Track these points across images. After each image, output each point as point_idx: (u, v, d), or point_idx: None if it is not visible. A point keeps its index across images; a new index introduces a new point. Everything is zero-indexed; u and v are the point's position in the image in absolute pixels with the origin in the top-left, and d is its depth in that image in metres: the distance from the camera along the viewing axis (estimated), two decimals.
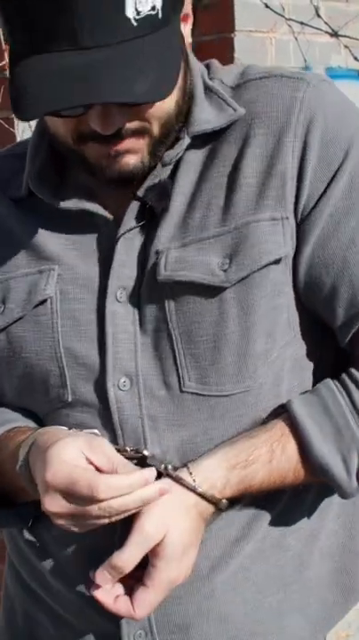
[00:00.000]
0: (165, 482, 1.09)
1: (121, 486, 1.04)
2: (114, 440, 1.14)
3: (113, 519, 1.05)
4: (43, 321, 1.17)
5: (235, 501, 1.14)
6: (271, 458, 1.13)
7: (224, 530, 1.17)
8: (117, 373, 1.15)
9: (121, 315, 1.15)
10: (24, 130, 2.32)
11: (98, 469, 1.06)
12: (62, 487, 1.04)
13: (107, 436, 1.14)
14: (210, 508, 1.11)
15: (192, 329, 1.12)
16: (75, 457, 1.05)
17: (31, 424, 1.21)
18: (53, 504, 1.05)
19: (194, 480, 1.10)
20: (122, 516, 1.06)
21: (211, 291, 1.12)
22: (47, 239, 1.19)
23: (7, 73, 2.27)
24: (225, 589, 1.17)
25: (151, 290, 1.14)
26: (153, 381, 1.15)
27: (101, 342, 1.15)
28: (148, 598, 1.08)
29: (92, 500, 1.03)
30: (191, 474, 1.11)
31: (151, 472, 1.07)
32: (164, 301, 1.13)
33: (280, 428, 1.14)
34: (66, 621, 1.23)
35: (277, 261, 1.12)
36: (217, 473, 1.11)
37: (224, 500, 1.11)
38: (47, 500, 1.06)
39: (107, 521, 1.05)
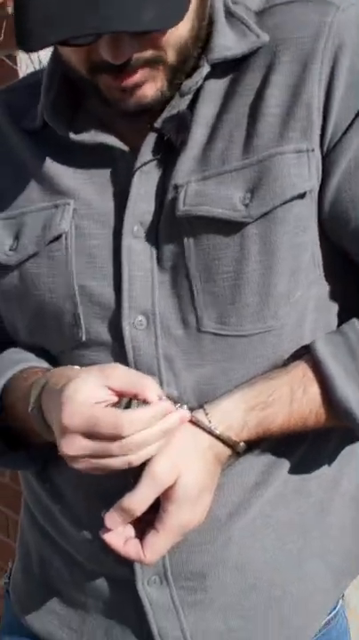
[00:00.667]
0: (185, 411, 1.05)
1: (144, 419, 0.99)
2: None
3: (133, 458, 1.01)
4: (57, 257, 1.13)
5: (254, 445, 1.11)
6: (291, 399, 1.09)
7: (243, 475, 1.14)
8: (133, 312, 1.11)
9: (137, 251, 1.11)
10: (27, 67, 2.25)
11: (120, 395, 1.02)
12: (82, 428, 1.00)
13: None
14: (226, 451, 1.08)
15: (211, 266, 1.08)
16: (91, 395, 1.01)
17: (44, 364, 1.18)
18: (72, 447, 1.01)
19: (209, 421, 1.07)
20: (143, 454, 1.02)
21: (231, 226, 1.07)
22: (62, 173, 1.15)
23: (9, 9, 2.19)
24: (243, 536, 1.14)
25: (169, 225, 1.10)
26: (170, 320, 1.11)
27: (117, 280, 1.11)
28: (159, 542, 1.04)
29: (115, 437, 0.99)
30: (207, 415, 1.07)
31: (170, 403, 1.03)
32: (183, 238, 1.09)
33: (302, 369, 1.10)
34: (80, 565, 1.20)
35: (302, 196, 1.07)
36: (234, 414, 1.07)
37: (241, 443, 1.08)
38: (65, 443, 1.01)
39: (127, 460, 1.01)
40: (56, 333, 1.15)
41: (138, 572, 1.14)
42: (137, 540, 1.05)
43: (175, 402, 1.07)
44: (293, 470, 1.16)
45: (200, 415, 1.07)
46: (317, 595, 1.19)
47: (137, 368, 1.10)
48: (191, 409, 1.08)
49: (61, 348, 1.16)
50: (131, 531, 1.06)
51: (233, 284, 1.08)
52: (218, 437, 1.06)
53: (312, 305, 1.13)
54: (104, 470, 1.03)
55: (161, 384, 1.10)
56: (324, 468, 1.18)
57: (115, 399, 1.02)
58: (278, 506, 1.15)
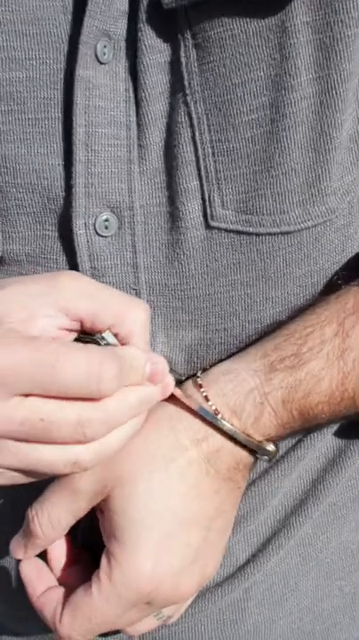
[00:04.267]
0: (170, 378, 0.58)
1: (135, 374, 0.55)
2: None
3: (88, 456, 0.55)
4: None
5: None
6: (344, 346, 0.60)
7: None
8: (94, 204, 0.60)
9: (103, 89, 0.59)
10: None
11: (80, 328, 0.57)
12: (18, 383, 0.52)
13: None
14: (237, 455, 0.61)
15: (231, 101, 0.58)
16: (31, 322, 0.54)
17: None
18: None
19: (205, 397, 0.59)
20: (103, 449, 0.55)
21: (262, 13, 0.56)
22: None
23: None
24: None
25: (155, 32, 0.59)
26: (159, 216, 0.61)
27: (66, 144, 0.60)
28: (87, 610, 0.59)
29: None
30: (200, 387, 0.60)
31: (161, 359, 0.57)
32: (180, 48, 0.58)
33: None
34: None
35: None
36: (242, 382, 0.60)
37: (269, 445, 0.60)
38: None
39: (75, 457, 0.54)
40: None
41: None
42: (61, 594, 0.61)
43: None
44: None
45: (190, 389, 0.61)
46: None
47: None
48: (179, 377, 0.62)
49: None
50: (67, 572, 0.63)
51: (267, 132, 0.58)
52: (222, 430, 0.59)
53: None
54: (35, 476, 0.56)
55: None
56: None
57: (72, 335, 0.57)
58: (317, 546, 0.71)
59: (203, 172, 0.60)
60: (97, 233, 0.61)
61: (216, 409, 0.59)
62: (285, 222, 0.60)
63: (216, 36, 0.57)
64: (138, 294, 0.62)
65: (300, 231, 0.61)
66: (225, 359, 0.63)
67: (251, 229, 0.60)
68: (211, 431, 0.60)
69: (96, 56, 0.59)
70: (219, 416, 0.59)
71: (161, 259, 0.62)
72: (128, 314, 0.56)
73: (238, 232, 0.61)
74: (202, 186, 0.60)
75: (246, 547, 0.69)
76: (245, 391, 0.60)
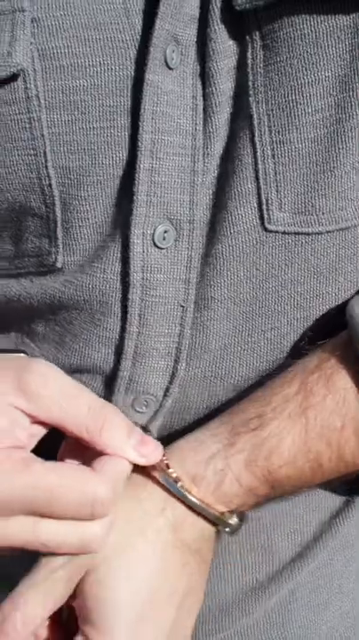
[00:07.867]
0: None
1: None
2: (109, 355, 0.62)
3: None
4: (9, 115, 0.59)
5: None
6: (306, 404, 0.59)
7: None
8: (154, 214, 0.59)
9: (171, 95, 0.59)
10: None
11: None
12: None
13: (101, 348, 0.62)
14: (198, 526, 0.60)
15: (295, 99, 0.58)
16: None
17: None
18: None
19: (166, 465, 0.60)
20: None
21: (334, 15, 0.57)
22: None
23: None
24: None
25: (225, 36, 0.58)
26: (210, 225, 0.60)
27: (131, 153, 0.59)
28: None
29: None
30: (163, 455, 0.60)
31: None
32: (247, 50, 0.58)
33: (327, 348, 0.61)
34: None
35: None
36: (208, 449, 0.60)
37: (231, 518, 0.60)
38: None
39: None
40: (10, 251, 0.63)
41: None
42: None
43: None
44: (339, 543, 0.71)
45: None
46: None
47: (143, 323, 0.61)
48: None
49: (14, 273, 0.64)
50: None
51: (331, 132, 0.58)
52: (181, 500, 0.59)
53: None
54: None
55: (177, 360, 0.62)
56: None
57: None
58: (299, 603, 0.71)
59: (261, 174, 0.59)
60: (154, 244, 0.59)
61: (177, 477, 0.59)
62: (343, 219, 0.60)
63: (285, 36, 0.57)
64: (184, 312, 0.61)
65: (356, 227, 0.60)
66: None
67: (309, 229, 0.60)
68: (172, 500, 0.59)
69: (165, 61, 0.58)
70: (179, 484, 0.58)
71: (208, 271, 0.61)
72: (103, 429, 0.57)
73: (296, 233, 0.60)
74: (259, 189, 0.59)
75: (290, 545, 0.68)
76: (206, 458, 0.59)
